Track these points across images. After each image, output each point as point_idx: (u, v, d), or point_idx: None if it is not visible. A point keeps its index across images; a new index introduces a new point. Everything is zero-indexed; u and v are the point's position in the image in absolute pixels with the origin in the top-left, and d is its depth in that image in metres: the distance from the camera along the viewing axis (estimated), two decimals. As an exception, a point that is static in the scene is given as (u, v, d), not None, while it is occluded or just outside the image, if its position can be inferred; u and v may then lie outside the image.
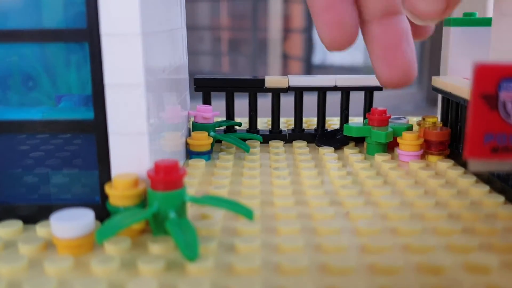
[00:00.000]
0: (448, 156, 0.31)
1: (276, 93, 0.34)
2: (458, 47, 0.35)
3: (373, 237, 0.20)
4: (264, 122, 0.42)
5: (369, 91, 0.35)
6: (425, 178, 0.27)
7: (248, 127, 0.35)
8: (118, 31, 0.20)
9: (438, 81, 0.32)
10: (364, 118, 0.34)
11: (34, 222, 0.21)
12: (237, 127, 0.36)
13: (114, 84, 0.20)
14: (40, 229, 0.21)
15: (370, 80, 0.34)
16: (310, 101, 0.38)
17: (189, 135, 0.32)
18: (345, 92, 0.35)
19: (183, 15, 0.32)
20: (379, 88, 0.34)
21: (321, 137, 0.34)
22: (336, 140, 0.34)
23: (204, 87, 0.34)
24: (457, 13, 0.31)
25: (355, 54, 1.63)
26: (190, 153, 0.31)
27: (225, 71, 1.72)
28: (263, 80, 0.34)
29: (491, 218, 0.22)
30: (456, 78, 0.32)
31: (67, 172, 0.23)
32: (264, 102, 0.38)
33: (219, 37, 1.72)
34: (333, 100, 0.37)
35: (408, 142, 0.30)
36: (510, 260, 0.18)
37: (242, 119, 0.38)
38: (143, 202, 0.21)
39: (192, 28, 1.71)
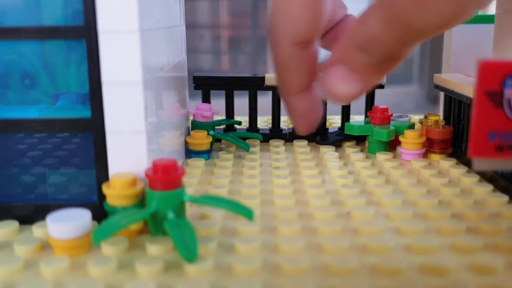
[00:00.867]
0: (451, 155, 0.30)
1: (276, 91, 0.34)
2: (461, 45, 0.34)
3: (375, 237, 0.20)
4: (264, 121, 0.42)
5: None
6: (427, 177, 0.27)
7: (248, 126, 0.35)
8: (115, 28, 0.20)
9: (440, 79, 0.32)
10: (366, 116, 0.34)
11: (30, 222, 0.21)
12: (237, 126, 0.35)
13: (112, 82, 0.20)
14: (36, 230, 0.20)
15: (372, 78, 0.34)
16: (310, 99, 0.37)
17: (189, 134, 0.32)
18: (346, 90, 0.34)
19: (182, 13, 0.31)
20: (381, 86, 0.34)
21: (321, 135, 0.34)
22: (336, 138, 0.33)
23: (203, 85, 0.34)
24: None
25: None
26: (190, 152, 0.30)
27: (225, 69, 1.72)
28: (263, 78, 0.33)
29: (495, 218, 0.22)
30: (459, 76, 0.32)
31: (64, 171, 0.22)
32: (265, 101, 0.37)
33: (219, 35, 1.72)
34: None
35: (410, 141, 0.30)
36: (515, 260, 0.18)
37: (242, 117, 0.38)
38: (141, 202, 0.20)
39: (192, 26, 1.70)
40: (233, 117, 0.35)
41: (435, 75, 0.33)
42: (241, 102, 0.37)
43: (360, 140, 0.34)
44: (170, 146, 0.26)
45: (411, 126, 0.32)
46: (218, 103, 0.35)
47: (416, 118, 0.41)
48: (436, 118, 0.31)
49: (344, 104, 0.26)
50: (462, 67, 0.34)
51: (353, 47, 0.23)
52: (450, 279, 0.17)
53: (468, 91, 0.28)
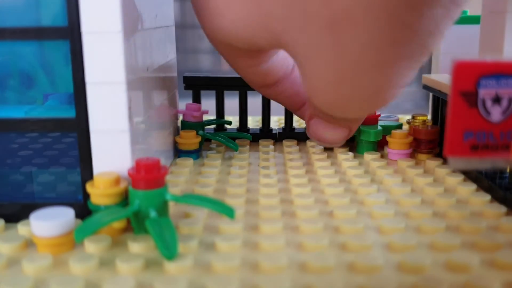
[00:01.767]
0: (438, 155, 0.30)
1: (266, 91, 0.34)
2: (449, 45, 0.35)
3: (355, 236, 0.20)
4: (256, 121, 0.42)
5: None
6: (412, 177, 0.27)
7: (238, 126, 0.35)
8: (99, 29, 0.20)
9: (428, 79, 0.32)
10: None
11: (16, 221, 0.21)
12: (227, 126, 0.36)
13: (95, 82, 0.20)
14: (21, 228, 0.21)
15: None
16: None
17: (178, 133, 0.32)
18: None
19: (171, 13, 0.31)
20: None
21: None
22: None
23: (193, 85, 0.34)
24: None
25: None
26: (179, 152, 0.31)
27: (225, 70, 1.72)
28: (253, 79, 0.34)
29: (476, 217, 0.22)
30: (446, 76, 0.32)
31: (50, 170, 0.23)
32: (257, 101, 0.38)
33: (219, 36, 1.72)
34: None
35: (397, 141, 0.30)
36: (491, 258, 0.18)
37: (233, 118, 0.38)
38: (124, 200, 0.21)
39: (192, 26, 1.70)
40: (223, 117, 0.35)
41: (423, 75, 0.33)
42: (232, 102, 0.37)
43: (349, 140, 0.34)
44: (158, 145, 0.27)
45: (399, 126, 0.32)
46: (209, 103, 0.35)
47: (408, 118, 0.41)
48: (424, 118, 0.32)
49: (339, 145, 0.29)
50: (450, 68, 0.34)
51: (312, 106, 0.25)
52: (425, 277, 0.17)
53: (454, 91, 0.28)
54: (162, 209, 0.20)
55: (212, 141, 0.34)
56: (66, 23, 0.20)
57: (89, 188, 0.20)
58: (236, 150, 0.31)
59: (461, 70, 0.17)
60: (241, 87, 0.34)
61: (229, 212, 0.20)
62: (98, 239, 0.19)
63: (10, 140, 0.23)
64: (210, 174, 0.27)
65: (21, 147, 0.23)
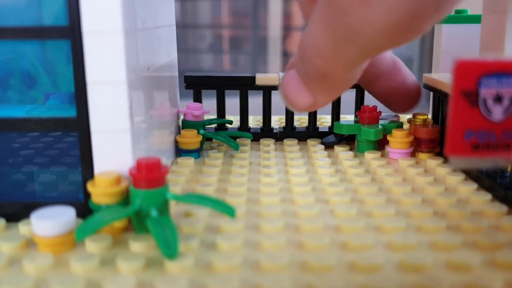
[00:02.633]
0: (438, 154, 0.30)
1: (267, 90, 0.34)
2: (450, 45, 0.35)
3: (356, 235, 0.20)
4: (257, 120, 0.42)
5: (360, 88, 0.35)
6: (413, 176, 0.27)
7: (239, 125, 0.35)
8: (100, 28, 0.20)
9: (429, 79, 0.32)
10: (355, 115, 0.34)
11: (17, 220, 0.21)
12: (228, 125, 0.36)
13: (96, 81, 0.20)
14: (22, 227, 0.21)
15: (362, 78, 0.34)
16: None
17: (179, 133, 0.32)
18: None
19: (172, 12, 0.31)
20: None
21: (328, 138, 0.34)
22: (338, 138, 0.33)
23: (194, 85, 0.34)
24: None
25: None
26: (180, 151, 0.31)
27: (226, 69, 1.72)
28: (253, 78, 0.34)
29: (477, 216, 0.22)
30: (447, 76, 0.32)
31: (51, 170, 0.23)
32: (258, 101, 0.38)
33: (220, 35, 1.72)
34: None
35: (398, 140, 0.30)
36: (492, 257, 0.18)
37: (234, 117, 0.38)
38: (125, 200, 0.21)
39: (193, 26, 1.71)
40: (224, 117, 0.35)
41: (424, 75, 0.33)
42: (233, 102, 0.37)
43: (349, 139, 0.34)
44: (159, 145, 0.27)
45: (400, 126, 0.32)
46: (211, 103, 0.35)
47: (405, 117, 0.41)
48: (424, 117, 0.32)
49: (299, 112, 0.25)
50: (451, 67, 0.34)
51: (297, 52, 0.22)
52: (426, 276, 0.17)
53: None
54: (163, 208, 0.20)
55: (213, 140, 0.34)
56: (67, 23, 0.20)
57: (90, 187, 0.20)
58: (237, 149, 0.31)
59: (462, 69, 0.17)
60: (242, 86, 0.34)
61: (230, 211, 0.20)
62: (99, 239, 0.19)
63: (12, 140, 0.23)
64: (211, 173, 0.27)
65: (22, 146, 0.23)
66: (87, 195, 0.21)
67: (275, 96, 0.35)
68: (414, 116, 0.32)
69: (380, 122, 0.32)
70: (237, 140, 0.33)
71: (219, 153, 0.31)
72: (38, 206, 0.20)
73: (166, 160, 0.28)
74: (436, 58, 0.35)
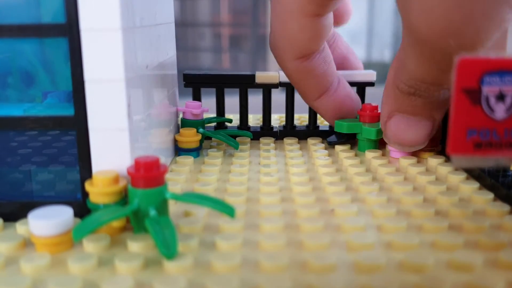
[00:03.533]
0: (440, 152, 0.30)
1: (267, 89, 0.34)
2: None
3: (356, 235, 0.20)
4: (257, 119, 0.42)
5: (361, 87, 0.34)
6: (414, 175, 0.27)
7: (239, 123, 0.35)
8: (97, 26, 0.20)
9: (430, 77, 0.32)
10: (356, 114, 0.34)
11: (14, 219, 0.21)
12: (227, 124, 0.35)
13: (94, 79, 0.20)
14: (20, 227, 0.20)
15: (362, 76, 0.34)
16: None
17: (178, 131, 0.32)
18: (337, 88, 0.34)
19: (171, 10, 0.31)
20: (371, 84, 0.34)
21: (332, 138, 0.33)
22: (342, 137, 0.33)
23: (193, 83, 0.34)
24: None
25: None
26: (179, 150, 0.30)
27: (226, 67, 1.72)
28: (253, 76, 0.33)
29: (479, 216, 0.22)
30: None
31: (49, 169, 0.22)
32: (259, 99, 0.37)
33: (220, 33, 1.72)
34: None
35: (399, 138, 0.30)
36: (494, 257, 0.18)
37: (234, 115, 0.38)
38: (123, 199, 0.20)
39: (193, 24, 1.70)
40: (224, 115, 0.35)
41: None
42: (233, 100, 0.37)
43: (350, 138, 0.34)
44: (158, 143, 0.26)
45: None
46: (210, 101, 0.35)
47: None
48: (426, 115, 0.31)
49: (415, 149, 0.28)
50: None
51: (401, 94, 0.24)
52: (427, 276, 0.17)
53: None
54: (162, 208, 0.20)
55: (213, 139, 0.34)
56: (65, 20, 0.20)
57: (88, 186, 0.20)
58: (237, 148, 0.31)
59: (464, 67, 0.17)
60: (242, 84, 0.34)
61: (229, 210, 0.19)
62: (97, 238, 0.19)
63: (9, 138, 0.22)
64: (210, 173, 0.27)
65: (19, 145, 0.22)
66: (85, 194, 0.21)
67: (275, 95, 0.35)
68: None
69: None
70: (237, 138, 0.33)
71: (219, 152, 0.31)
72: (35, 205, 0.20)
73: (165, 159, 0.28)
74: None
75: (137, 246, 0.19)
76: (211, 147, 0.33)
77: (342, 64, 0.35)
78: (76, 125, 0.21)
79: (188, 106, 0.32)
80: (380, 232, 0.20)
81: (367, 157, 0.30)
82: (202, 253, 0.19)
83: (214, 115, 0.35)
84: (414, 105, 0.24)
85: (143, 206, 0.19)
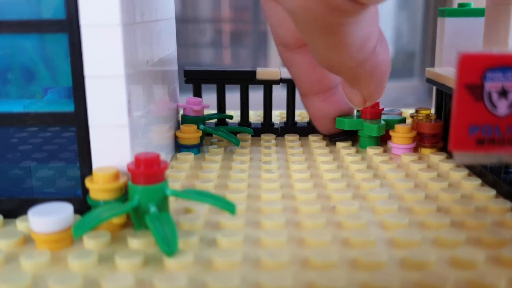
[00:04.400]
0: (442, 149, 0.30)
1: (268, 85, 0.34)
2: (453, 38, 0.34)
3: (358, 231, 0.20)
4: (258, 115, 0.42)
5: (362, 83, 0.34)
6: (416, 171, 0.27)
7: (240, 120, 0.35)
8: (97, 22, 0.20)
9: (432, 73, 0.32)
10: (357, 110, 0.34)
11: (15, 216, 0.21)
12: (228, 120, 0.35)
13: (94, 75, 0.20)
14: (20, 224, 0.20)
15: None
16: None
17: (179, 128, 0.32)
18: (338, 84, 0.34)
19: (172, 6, 0.31)
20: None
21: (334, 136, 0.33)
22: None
23: (194, 79, 0.34)
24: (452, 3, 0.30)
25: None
26: (179, 147, 0.30)
27: (226, 64, 1.72)
28: (254, 72, 0.33)
29: (481, 212, 0.22)
30: (450, 70, 0.31)
31: (49, 165, 0.22)
32: (260, 95, 0.37)
33: (221, 29, 1.72)
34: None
35: (400, 135, 0.30)
36: (496, 254, 0.18)
37: (235, 112, 0.38)
38: (124, 196, 0.20)
39: (194, 20, 1.70)
40: (224, 111, 0.35)
41: (427, 69, 0.33)
42: (234, 96, 0.37)
43: (352, 134, 0.34)
44: (158, 140, 0.26)
45: (402, 121, 0.32)
46: (210, 97, 0.35)
47: (411, 112, 0.40)
48: (427, 112, 0.31)
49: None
50: (455, 60, 0.34)
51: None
52: (429, 273, 0.17)
53: (458, 84, 0.28)
54: (162, 204, 0.20)
55: (213, 135, 0.34)
56: (65, 16, 0.20)
57: (88, 183, 0.20)
58: (238, 145, 0.31)
59: (466, 62, 0.17)
60: (243, 80, 0.34)
61: (230, 207, 0.19)
62: (97, 235, 0.19)
63: (9, 135, 0.22)
64: (211, 169, 0.27)
65: (20, 141, 0.22)
66: (85, 191, 0.21)
67: (276, 91, 0.34)
68: (417, 111, 0.32)
69: (383, 117, 0.32)
70: (238, 135, 0.33)
71: (219, 148, 0.31)
72: (35, 202, 0.20)
73: (165, 156, 0.28)
74: (439, 52, 0.35)
75: (137, 243, 0.19)
76: (211, 143, 0.32)
77: None
78: (76, 122, 0.20)
79: (188, 102, 0.31)
80: (381, 229, 0.20)
81: (369, 153, 0.30)
82: (203, 250, 0.19)
83: (214, 111, 0.35)
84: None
85: (143, 202, 0.19)
